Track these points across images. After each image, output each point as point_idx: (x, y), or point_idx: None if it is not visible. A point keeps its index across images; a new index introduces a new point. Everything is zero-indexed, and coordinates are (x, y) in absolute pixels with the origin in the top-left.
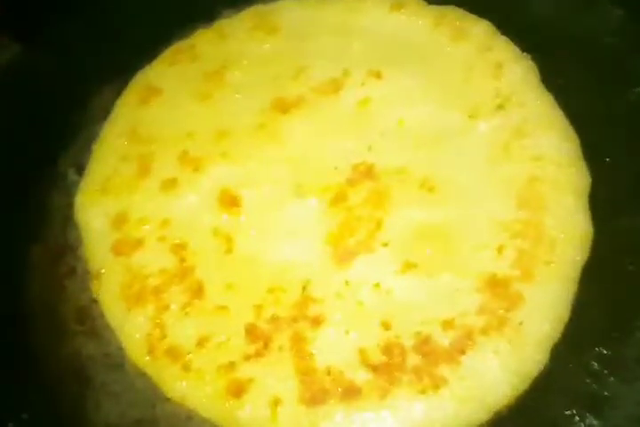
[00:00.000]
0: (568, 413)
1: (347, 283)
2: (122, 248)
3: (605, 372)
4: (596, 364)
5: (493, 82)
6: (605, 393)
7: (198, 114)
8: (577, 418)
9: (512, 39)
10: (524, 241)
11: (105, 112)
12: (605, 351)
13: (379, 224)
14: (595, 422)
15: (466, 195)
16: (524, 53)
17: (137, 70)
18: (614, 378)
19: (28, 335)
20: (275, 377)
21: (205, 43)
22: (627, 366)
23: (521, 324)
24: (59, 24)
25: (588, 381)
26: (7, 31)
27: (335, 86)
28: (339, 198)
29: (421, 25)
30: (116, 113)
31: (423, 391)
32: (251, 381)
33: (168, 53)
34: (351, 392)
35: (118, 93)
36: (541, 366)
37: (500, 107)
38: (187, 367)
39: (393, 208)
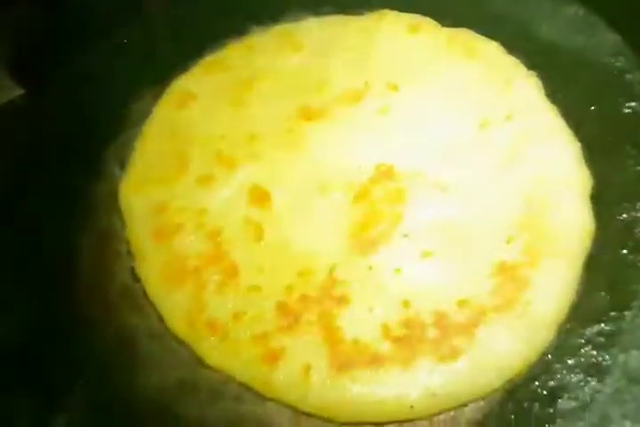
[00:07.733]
0: (574, 379)
1: (370, 268)
2: (162, 233)
3: (606, 343)
4: (598, 338)
5: (503, 96)
6: (606, 361)
7: (231, 118)
8: (582, 383)
9: (519, 59)
10: (530, 236)
11: (144, 117)
12: (606, 327)
13: (398, 218)
14: (598, 386)
15: (477, 195)
16: (530, 71)
17: (171, 81)
18: (613, 349)
19: (81, 311)
20: (306, 347)
21: (236, 56)
22: (623, 339)
23: (529, 304)
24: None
25: (592, 352)
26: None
27: (356, 96)
28: (361, 194)
29: (435, 44)
30: (156, 115)
31: (442, 360)
32: (283, 349)
33: (201, 64)
34: (376, 360)
35: (156, 100)
36: (549, 341)
37: (509, 118)
38: (224, 337)
39: (411, 204)
